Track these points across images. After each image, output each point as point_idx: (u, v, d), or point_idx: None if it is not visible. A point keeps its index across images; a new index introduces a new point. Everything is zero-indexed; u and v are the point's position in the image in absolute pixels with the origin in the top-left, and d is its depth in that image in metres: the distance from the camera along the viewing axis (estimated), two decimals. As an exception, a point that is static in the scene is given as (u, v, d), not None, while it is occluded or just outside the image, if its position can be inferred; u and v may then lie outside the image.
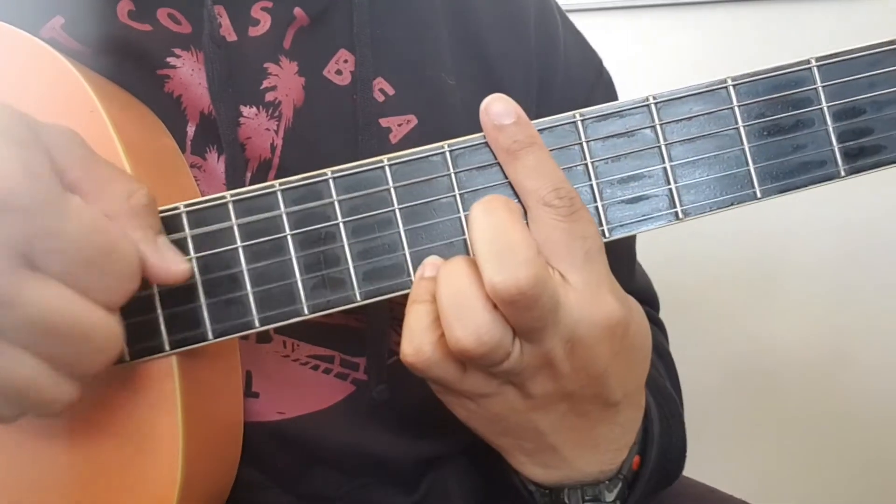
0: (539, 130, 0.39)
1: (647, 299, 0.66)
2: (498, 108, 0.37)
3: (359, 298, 0.40)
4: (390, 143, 0.53)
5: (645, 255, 0.68)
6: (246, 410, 0.50)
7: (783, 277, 1.32)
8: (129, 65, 0.49)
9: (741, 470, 1.31)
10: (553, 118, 0.40)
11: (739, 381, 1.34)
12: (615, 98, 0.66)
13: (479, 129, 0.56)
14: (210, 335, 0.40)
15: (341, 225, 0.39)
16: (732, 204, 0.39)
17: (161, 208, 0.40)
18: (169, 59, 0.50)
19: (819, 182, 0.39)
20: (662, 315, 0.68)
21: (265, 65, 0.52)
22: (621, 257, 0.64)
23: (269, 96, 0.51)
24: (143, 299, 0.39)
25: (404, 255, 0.39)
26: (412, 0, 0.56)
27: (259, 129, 0.51)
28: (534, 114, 0.58)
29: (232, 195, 0.40)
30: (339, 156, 0.50)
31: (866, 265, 1.31)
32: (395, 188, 0.39)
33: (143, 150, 0.43)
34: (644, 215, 0.39)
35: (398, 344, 0.40)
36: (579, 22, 0.67)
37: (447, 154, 0.40)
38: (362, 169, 0.40)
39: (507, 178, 0.39)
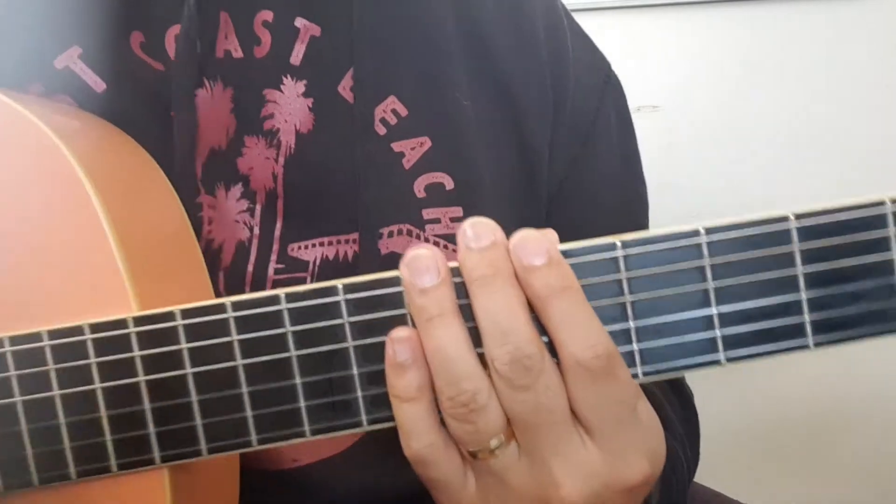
0: (572, 257, 0.35)
1: None
2: (529, 248, 0.33)
3: (366, 424, 0.37)
4: (403, 169, 0.51)
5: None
6: (261, 459, 0.49)
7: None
8: (142, 104, 0.47)
9: (743, 474, 1.30)
10: (591, 244, 0.36)
11: (738, 386, 1.32)
12: (625, 103, 0.63)
13: (495, 154, 0.53)
14: (205, 453, 0.37)
15: (351, 349, 0.36)
16: (779, 352, 0.36)
17: (155, 312, 0.37)
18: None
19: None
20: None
21: (263, 92, 0.49)
22: (615, 212, 0.61)
23: (266, 125, 0.49)
24: (134, 414, 0.37)
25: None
26: (421, 18, 0.53)
27: (259, 157, 0.49)
28: (549, 132, 0.56)
29: (233, 305, 0.36)
30: (343, 184, 0.49)
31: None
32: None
33: (144, 244, 0.39)
34: (684, 359, 0.36)
35: None
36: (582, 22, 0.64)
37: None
38: (379, 292, 0.36)
39: None
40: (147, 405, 0.37)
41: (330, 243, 0.49)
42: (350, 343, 0.36)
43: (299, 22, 0.50)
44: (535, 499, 0.35)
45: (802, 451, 1.34)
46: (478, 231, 0.34)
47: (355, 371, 0.36)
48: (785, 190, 1.25)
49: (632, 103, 0.64)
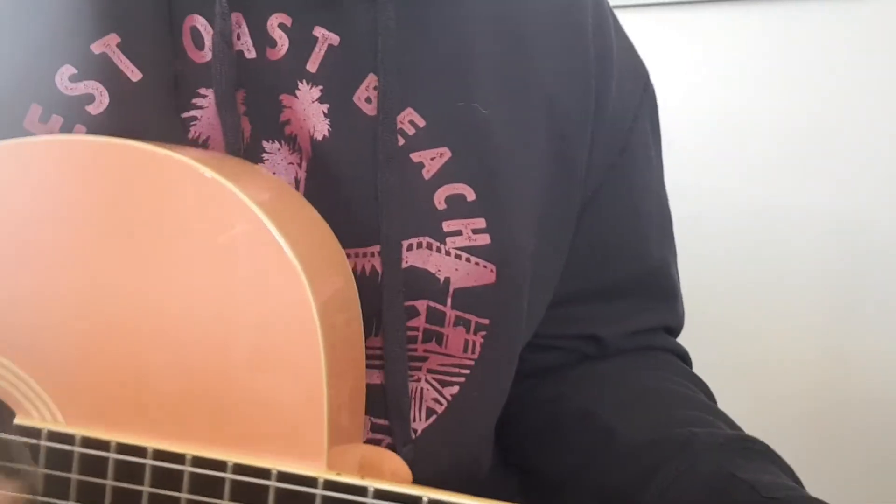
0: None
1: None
2: None
3: None
4: (423, 179, 0.49)
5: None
6: None
7: (780, 279, 1.26)
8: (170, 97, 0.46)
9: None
10: None
11: (737, 384, 1.22)
12: (657, 114, 0.62)
13: (524, 160, 0.52)
14: None
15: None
16: None
17: (348, 480, 0.34)
18: (195, 101, 0.47)
19: None
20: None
21: (280, 97, 0.48)
22: (652, 222, 0.61)
23: (287, 130, 0.48)
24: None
25: None
26: (449, 23, 0.52)
27: (283, 163, 0.48)
28: (589, 136, 0.54)
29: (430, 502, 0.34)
30: (361, 194, 0.48)
31: (863, 268, 1.24)
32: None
33: (344, 402, 0.37)
34: None
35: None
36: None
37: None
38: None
39: None
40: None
41: (349, 256, 0.47)
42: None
43: (318, 31, 0.48)
44: None
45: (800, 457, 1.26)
46: None
47: None
48: (785, 190, 1.24)
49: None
